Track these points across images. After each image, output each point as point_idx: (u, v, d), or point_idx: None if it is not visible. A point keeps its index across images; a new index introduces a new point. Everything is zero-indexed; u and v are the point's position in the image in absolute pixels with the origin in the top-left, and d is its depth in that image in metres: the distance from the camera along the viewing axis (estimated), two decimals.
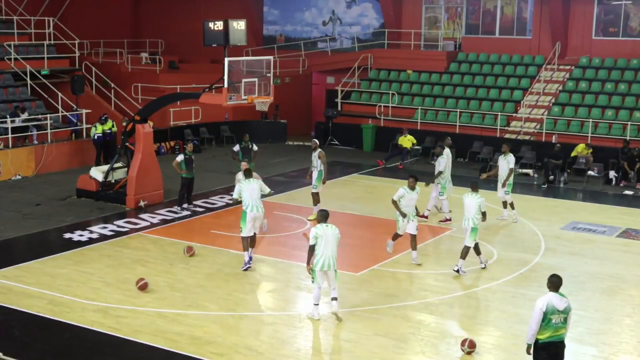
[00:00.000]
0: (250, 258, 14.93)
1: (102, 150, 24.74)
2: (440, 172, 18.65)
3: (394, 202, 15.23)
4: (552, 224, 18.62)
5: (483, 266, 15.08)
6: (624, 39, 29.24)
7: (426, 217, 18.68)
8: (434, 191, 18.84)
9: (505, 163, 18.85)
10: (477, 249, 14.94)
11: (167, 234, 17.36)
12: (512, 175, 18.91)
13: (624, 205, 21.20)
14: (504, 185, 18.78)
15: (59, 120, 26.01)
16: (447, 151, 19.08)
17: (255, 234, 15.01)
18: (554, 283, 9.36)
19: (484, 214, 14.88)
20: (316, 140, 19.34)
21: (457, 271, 14.71)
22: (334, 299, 12.29)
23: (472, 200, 14.84)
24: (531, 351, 9.40)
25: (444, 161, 18.73)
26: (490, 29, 31.99)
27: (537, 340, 9.28)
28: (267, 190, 15.43)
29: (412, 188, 15.24)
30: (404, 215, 15.17)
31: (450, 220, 18.43)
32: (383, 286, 14.19)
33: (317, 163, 18.76)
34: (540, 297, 9.38)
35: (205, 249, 16.19)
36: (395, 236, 15.78)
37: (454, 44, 32.88)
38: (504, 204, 19.16)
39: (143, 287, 13.46)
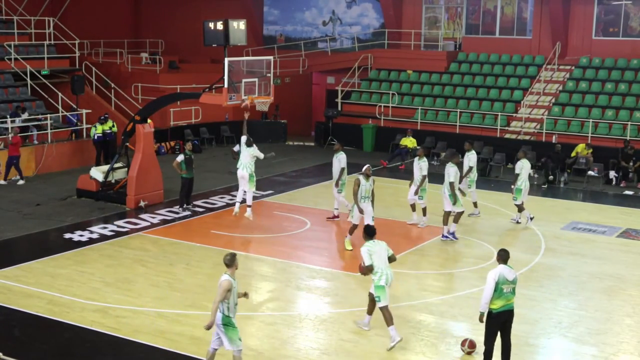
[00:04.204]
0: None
1: (102, 150, 24.75)
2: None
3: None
4: (552, 224, 18.60)
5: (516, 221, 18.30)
6: (624, 39, 29.23)
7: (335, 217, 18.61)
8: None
9: (418, 169, 18.00)
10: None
11: (167, 234, 17.35)
12: (426, 182, 18.04)
13: (624, 205, 21.18)
14: (416, 192, 18.03)
15: (59, 120, 26.00)
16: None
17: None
18: (503, 256, 10.23)
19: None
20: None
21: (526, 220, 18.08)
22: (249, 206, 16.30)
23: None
24: (484, 319, 10.22)
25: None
26: (490, 29, 31.98)
27: (490, 311, 10.14)
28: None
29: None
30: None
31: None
32: None
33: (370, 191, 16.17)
34: (491, 270, 10.21)
35: (205, 249, 16.19)
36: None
37: (454, 44, 32.86)
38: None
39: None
